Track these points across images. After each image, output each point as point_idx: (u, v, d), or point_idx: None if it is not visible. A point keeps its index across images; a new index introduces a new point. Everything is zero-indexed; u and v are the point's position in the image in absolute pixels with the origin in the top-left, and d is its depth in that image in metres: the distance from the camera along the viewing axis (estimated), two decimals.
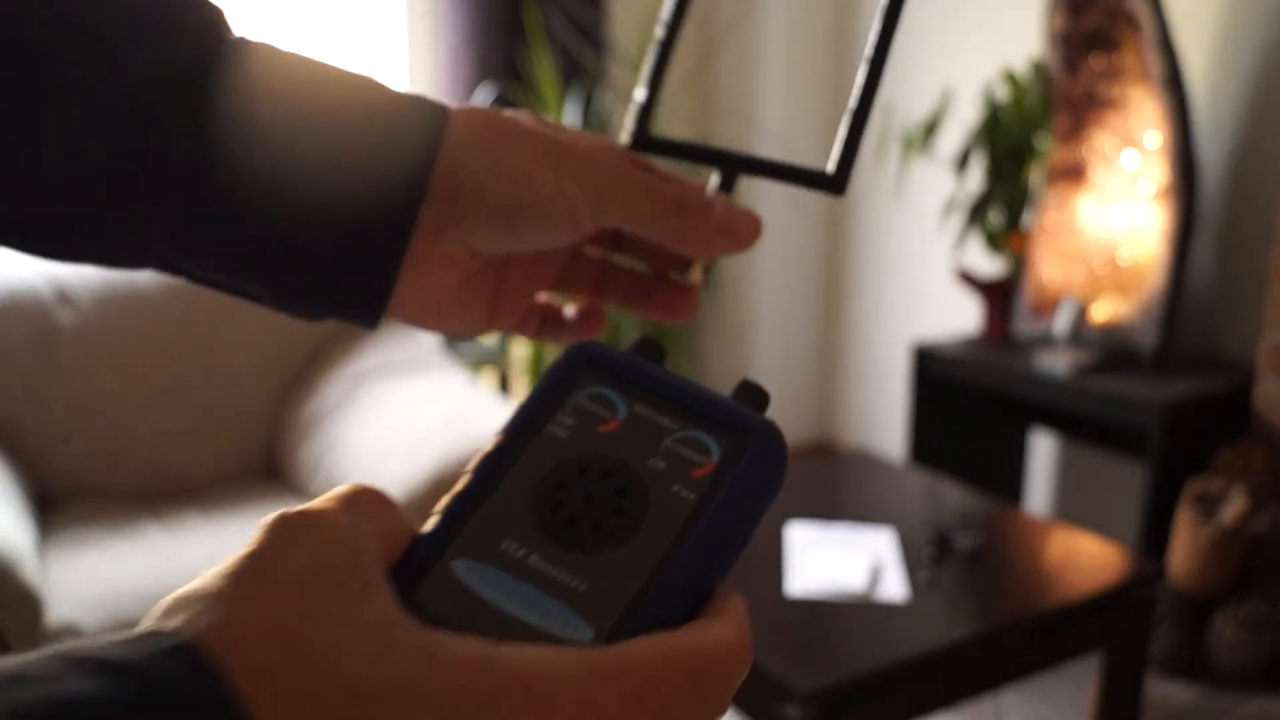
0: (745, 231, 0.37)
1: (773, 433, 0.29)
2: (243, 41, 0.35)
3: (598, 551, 0.27)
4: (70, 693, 0.19)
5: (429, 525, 0.28)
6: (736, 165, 0.39)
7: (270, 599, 0.22)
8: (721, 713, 0.25)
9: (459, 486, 0.29)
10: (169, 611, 0.22)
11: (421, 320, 0.38)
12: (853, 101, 0.39)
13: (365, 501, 0.26)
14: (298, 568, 0.23)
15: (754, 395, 0.31)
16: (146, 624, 0.22)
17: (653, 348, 0.32)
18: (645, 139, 0.39)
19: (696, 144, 0.39)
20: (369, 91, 0.35)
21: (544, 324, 0.42)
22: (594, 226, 0.36)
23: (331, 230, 0.35)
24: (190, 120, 0.34)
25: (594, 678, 0.23)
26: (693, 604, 0.27)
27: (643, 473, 0.28)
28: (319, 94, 0.35)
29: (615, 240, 0.42)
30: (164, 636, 0.21)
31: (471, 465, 0.29)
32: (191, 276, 0.37)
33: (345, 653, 0.22)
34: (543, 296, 0.42)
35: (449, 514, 0.28)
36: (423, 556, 0.27)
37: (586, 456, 0.29)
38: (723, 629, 0.26)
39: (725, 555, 0.28)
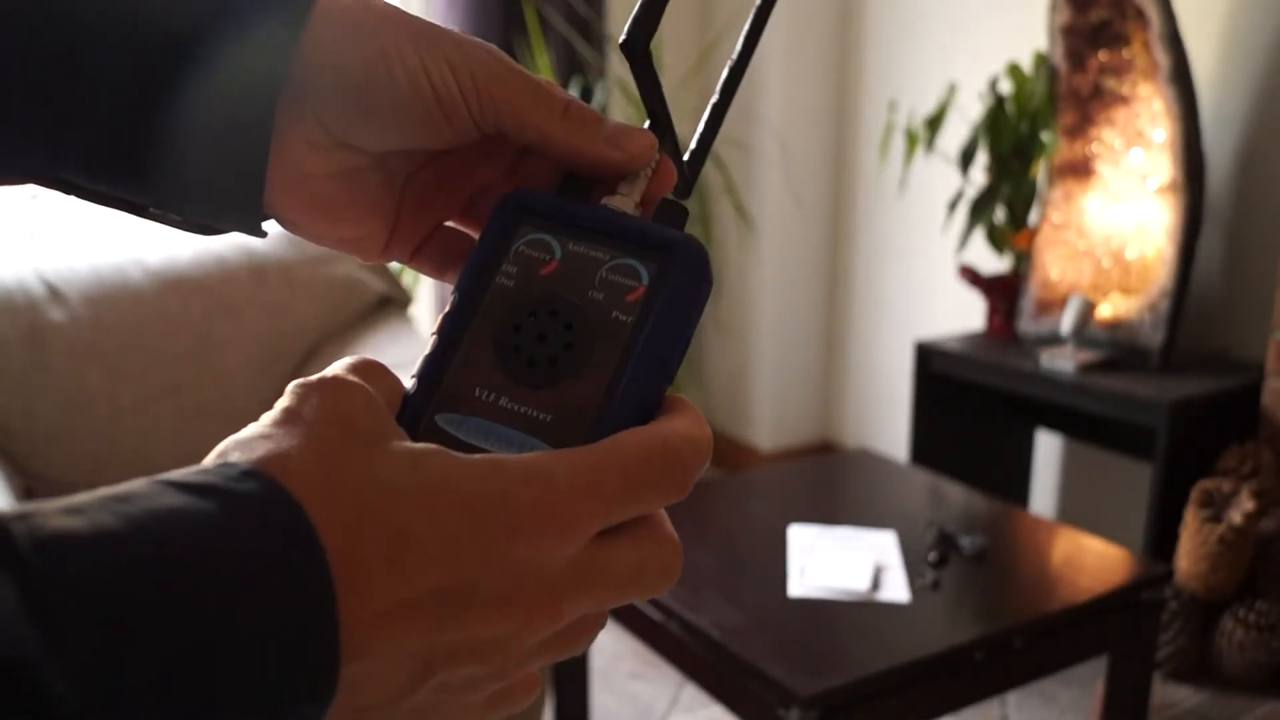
0: (636, 147, 0.35)
1: (692, 247, 0.32)
2: None
3: (556, 384, 0.31)
4: (168, 505, 0.23)
5: (409, 387, 0.32)
6: (665, 135, 0.36)
7: (309, 435, 0.27)
8: (685, 493, 0.30)
9: (428, 348, 0.32)
10: (223, 453, 0.27)
11: (312, 222, 0.36)
12: (713, 100, 0.37)
13: (368, 367, 0.30)
14: (326, 416, 0.27)
15: (673, 213, 0.34)
16: (208, 461, 0.26)
17: (576, 183, 0.34)
18: (640, 46, 0.33)
19: (663, 96, 0.35)
20: None
21: (446, 258, 0.39)
22: (472, 122, 0.34)
23: (203, 121, 0.33)
24: (70, 22, 0.33)
25: (585, 466, 0.28)
26: (644, 414, 0.31)
27: (584, 305, 0.32)
28: None
29: (512, 169, 0.39)
30: (232, 465, 0.25)
31: (436, 327, 0.33)
32: (72, 188, 0.36)
33: (380, 466, 0.27)
34: (450, 225, 0.39)
35: (424, 375, 0.32)
36: (410, 416, 0.31)
37: (533, 299, 0.32)
38: (683, 421, 0.30)
39: (667, 365, 0.31)
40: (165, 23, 0.33)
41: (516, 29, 2.77)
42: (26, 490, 1.86)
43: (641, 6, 0.34)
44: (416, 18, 0.34)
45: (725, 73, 0.37)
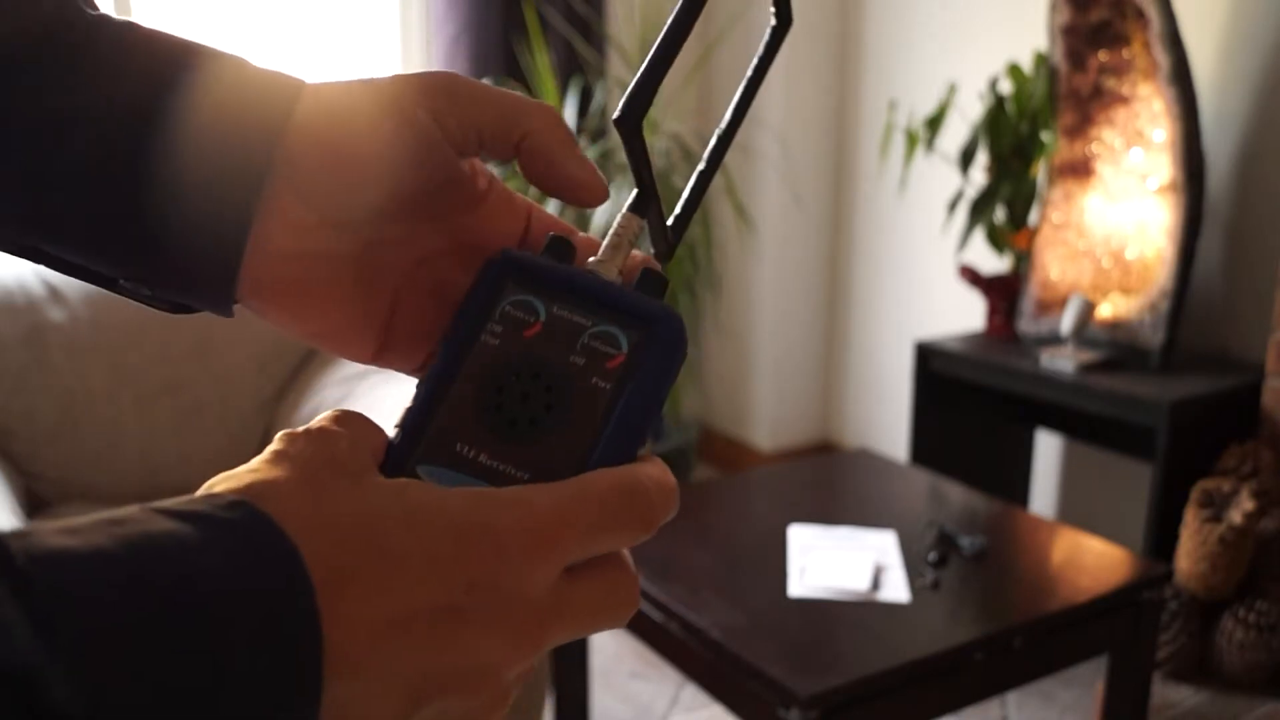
0: (597, 177, 0.36)
1: (672, 321, 0.33)
2: (104, 18, 0.34)
3: (536, 444, 0.32)
4: (160, 530, 0.24)
5: (394, 437, 0.33)
6: (651, 203, 0.37)
7: (294, 470, 0.28)
8: (650, 531, 0.31)
9: (412, 400, 0.33)
10: (211, 486, 0.28)
11: (276, 304, 0.36)
12: (699, 168, 0.38)
13: (352, 418, 0.31)
14: (311, 457, 0.29)
15: (654, 282, 0.35)
16: (199, 494, 0.27)
17: (563, 246, 0.35)
18: (633, 121, 0.35)
19: (651, 167, 0.37)
20: (233, 69, 0.35)
21: None
22: (449, 148, 0.34)
23: (184, 204, 0.34)
24: (46, 93, 0.33)
25: (563, 496, 0.29)
26: None
27: (565, 369, 0.33)
28: (188, 76, 0.34)
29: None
30: (220, 496, 0.26)
31: (420, 379, 0.34)
32: (40, 257, 0.36)
33: (365, 496, 0.28)
34: None
35: (407, 426, 0.33)
36: (393, 465, 0.32)
37: (517, 360, 0.33)
38: (651, 468, 0.32)
39: (642, 430, 0.33)
40: (149, 104, 0.33)
41: (516, 29, 2.77)
42: (27, 490, 1.86)
43: (636, 85, 0.35)
44: (386, 76, 0.34)
45: (713, 141, 0.38)
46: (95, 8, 0.35)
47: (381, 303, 0.37)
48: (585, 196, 0.35)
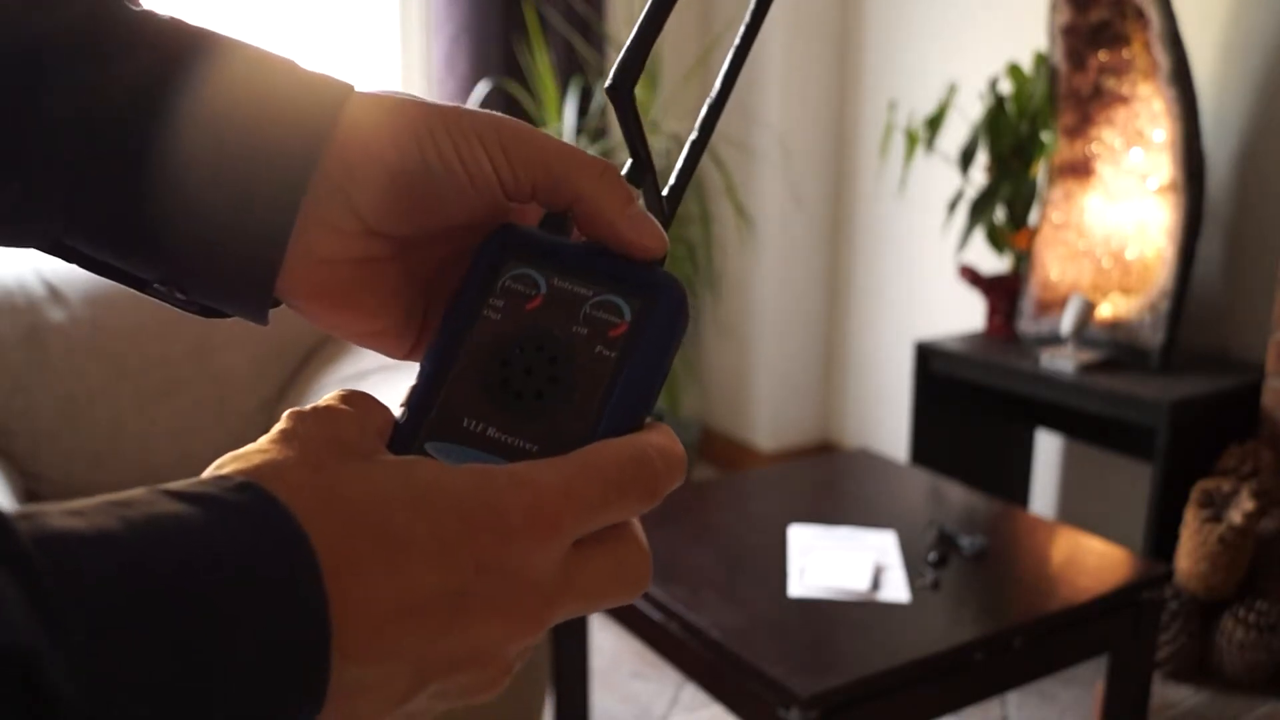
0: (652, 239, 0.34)
1: (674, 288, 0.33)
2: (145, 13, 0.34)
3: (542, 415, 0.32)
4: (166, 512, 0.24)
5: (400, 415, 0.33)
6: (646, 173, 0.36)
7: (303, 451, 0.28)
8: (655, 501, 0.31)
9: (417, 378, 0.33)
10: (220, 466, 0.28)
11: (322, 310, 0.35)
12: (691, 137, 0.37)
13: (359, 398, 0.31)
14: (319, 437, 0.29)
15: None
16: (206, 475, 0.27)
17: (559, 219, 0.35)
18: (625, 89, 0.34)
19: (644, 136, 0.36)
20: (282, 72, 0.34)
21: None
22: (502, 192, 0.34)
23: (224, 206, 0.33)
24: (85, 90, 0.32)
25: (567, 472, 0.29)
26: None
27: (569, 340, 0.33)
28: (228, 74, 0.33)
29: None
30: (229, 478, 0.26)
31: (424, 356, 0.34)
32: (76, 256, 0.35)
33: (371, 477, 0.28)
34: None
35: (413, 404, 0.33)
36: (400, 443, 0.32)
37: (520, 334, 0.33)
38: (657, 436, 0.32)
39: (648, 399, 0.33)
40: (169, 99, 0.33)
41: (516, 29, 2.77)
42: (26, 490, 1.86)
43: (627, 53, 0.34)
44: (440, 103, 0.34)
45: (704, 111, 0.37)
46: (138, 4, 0.34)
47: (418, 301, 0.37)
48: (647, 255, 0.35)
